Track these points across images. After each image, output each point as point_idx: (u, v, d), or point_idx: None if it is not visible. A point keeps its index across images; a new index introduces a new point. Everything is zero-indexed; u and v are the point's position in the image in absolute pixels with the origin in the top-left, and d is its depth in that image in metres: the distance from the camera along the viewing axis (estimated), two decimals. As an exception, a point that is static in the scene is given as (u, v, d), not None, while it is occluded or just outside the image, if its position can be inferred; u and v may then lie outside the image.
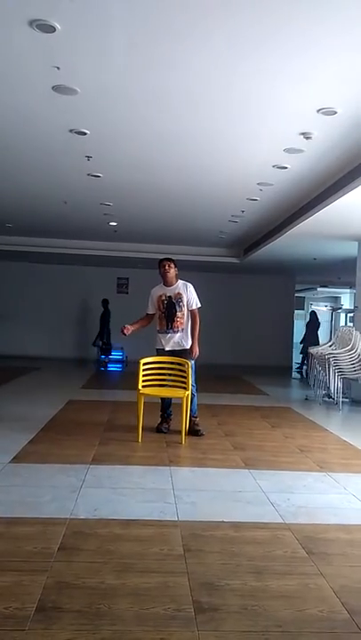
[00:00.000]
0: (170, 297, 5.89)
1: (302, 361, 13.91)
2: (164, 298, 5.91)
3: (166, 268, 5.92)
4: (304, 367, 13.06)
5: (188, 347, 5.88)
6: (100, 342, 13.47)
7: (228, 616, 2.28)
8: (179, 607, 2.32)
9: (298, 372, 14.13)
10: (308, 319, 14.71)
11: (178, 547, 2.93)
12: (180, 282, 6.00)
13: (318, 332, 14.06)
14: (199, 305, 5.97)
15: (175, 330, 5.85)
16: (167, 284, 5.96)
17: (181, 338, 5.87)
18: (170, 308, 5.87)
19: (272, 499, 3.82)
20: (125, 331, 5.86)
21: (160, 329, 5.94)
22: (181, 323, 5.86)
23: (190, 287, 5.98)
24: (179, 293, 5.89)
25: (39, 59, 3.92)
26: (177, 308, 5.86)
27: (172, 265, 5.95)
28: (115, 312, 14.61)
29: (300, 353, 14.24)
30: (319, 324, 14.14)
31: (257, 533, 3.19)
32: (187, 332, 5.90)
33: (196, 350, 5.86)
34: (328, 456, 5.23)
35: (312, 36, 3.47)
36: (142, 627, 2.17)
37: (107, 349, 13.41)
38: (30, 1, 3.21)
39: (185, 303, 5.88)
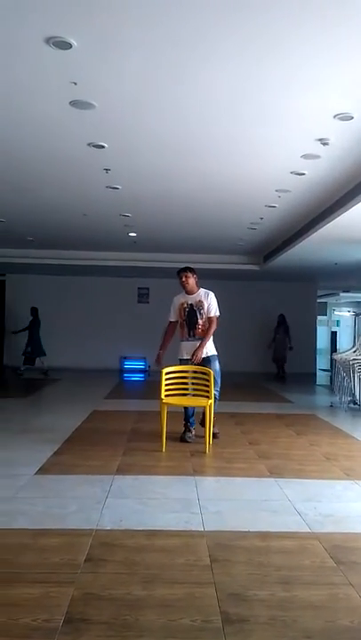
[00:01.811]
0: (191, 305, 5.96)
1: (278, 368, 13.61)
2: (185, 306, 5.97)
3: (183, 279, 5.99)
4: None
5: (214, 353, 5.93)
6: (28, 350, 13.26)
7: (256, 627, 2.25)
8: (206, 618, 2.30)
9: (280, 376, 13.76)
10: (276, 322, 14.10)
11: (204, 557, 2.92)
12: (202, 290, 6.05)
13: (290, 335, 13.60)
14: (218, 314, 6.00)
15: (197, 337, 5.90)
16: (188, 292, 6.02)
17: (205, 345, 5.88)
18: (191, 315, 5.93)
19: (299, 508, 3.78)
20: (159, 361, 5.96)
21: (182, 337, 6.00)
22: (203, 330, 5.91)
23: (211, 295, 6.01)
24: (200, 301, 5.94)
25: (56, 75, 3.98)
26: (198, 315, 5.92)
27: (190, 274, 6.01)
28: (136, 322, 14.70)
29: (273, 360, 13.92)
30: (288, 326, 13.65)
31: (284, 543, 3.16)
32: (209, 339, 5.93)
33: (200, 356, 5.79)
34: (355, 463, 5.16)
35: (328, 42, 3.46)
36: (170, 638, 2.16)
37: (31, 359, 13.18)
38: (46, 19, 3.27)
39: (206, 311, 5.91)
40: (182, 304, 6.00)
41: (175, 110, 4.61)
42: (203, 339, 5.87)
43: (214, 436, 5.79)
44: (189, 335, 5.93)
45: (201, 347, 5.83)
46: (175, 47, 3.60)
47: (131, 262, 12.70)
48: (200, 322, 5.90)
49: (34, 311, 13.31)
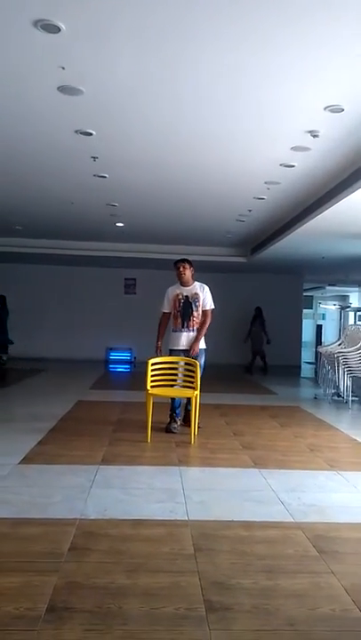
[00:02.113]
0: (187, 296, 6.02)
1: (261, 360, 13.59)
2: (180, 297, 6.02)
3: (181, 270, 6.06)
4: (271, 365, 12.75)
5: (203, 346, 6.02)
6: None
7: (239, 615, 2.27)
8: (190, 606, 2.31)
9: (247, 369, 13.58)
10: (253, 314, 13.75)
11: (188, 546, 2.93)
12: (197, 283, 6.13)
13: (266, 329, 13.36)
14: (213, 307, 6.09)
15: (190, 329, 5.97)
16: (183, 284, 6.07)
17: (195, 337, 5.96)
18: (186, 307, 5.99)
19: (282, 498, 3.80)
20: (159, 351, 6.02)
21: (175, 327, 6.04)
22: (197, 322, 5.98)
23: (207, 288, 6.11)
24: (196, 294, 6.01)
25: (44, 59, 3.91)
26: (193, 307, 5.98)
27: (188, 266, 6.08)
28: (123, 313, 14.66)
29: (252, 353, 13.71)
30: (264, 320, 13.45)
31: (268, 532, 3.18)
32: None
33: (197, 349, 5.92)
34: (338, 455, 5.20)
35: (319, 34, 3.45)
36: (153, 626, 2.16)
37: (4, 346, 13.20)
38: (35, 2, 3.21)
39: (201, 303, 5.98)
40: (177, 295, 6.04)
41: (165, 100, 4.57)
42: (196, 330, 5.95)
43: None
44: (183, 326, 5.98)
45: (197, 340, 5.93)
46: (168, 36, 3.56)
47: (118, 253, 12.63)
48: (195, 314, 5.97)
49: (1, 299, 13.22)
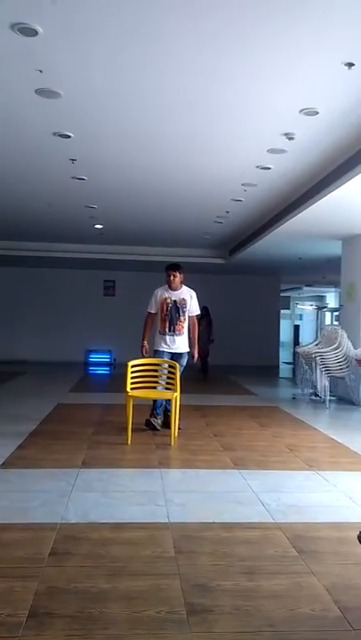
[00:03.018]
0: (175, 301, 6.12)
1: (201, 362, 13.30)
2: (169, 301, 6.12)
3: (172, 277, 6.16)
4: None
5: (187, 350, 6.14)
6: None
7: (220, 617, 2.28)
8: (171, 609, 2.32)
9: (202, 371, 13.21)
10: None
11: (169, 549, 2.93)
12: (185, 288, 6.26)
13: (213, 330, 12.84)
14: (198, 312, 6.28)
15: (177, 333, 6.08)
16: (173, 289, 6.18)
17: (181, 341, 6.10)
18: (173, 311, 6.10)
19: (262, 498, 3.83)
20: (145, 351, 6.16)
21: (162, 330, 6.12)
22: (182, 327, 6.11)
23: (194, 294, 6.26)
24: (184, 299, 6.14)
25: (22, 62, 3.90)
26: (180, 312, 6.11)
27: (178, 273, 6.19)
28: (102, 315, 14.60)
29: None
30: (211, 319, 12.82)
31: (248, 534, 3.20)
32: (186, 336, 6.15)
33: (196, 355, 6.21)
34: (317, 454, 5.25)
35: (293, 38, 3.49)
36: (135, 630, 2.17)
37: None
38: (11, 4, 3.20)
39: (188, 309, 6.13)
40: (165, 299, 6.13)
41: (142, 102, 4.58)
42: (182, 334, 6.11)
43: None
44: (169, 330, 6.08)
45: (195, 345, 6.18)
46: (141, 38, 3.57)
47: (97, 254, 12.60)
48: (182, 318, 6.10)
49: None
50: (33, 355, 14.45)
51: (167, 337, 6.07)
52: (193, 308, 6.20)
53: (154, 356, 6.07)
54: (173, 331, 6.06)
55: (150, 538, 3.09)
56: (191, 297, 6.19)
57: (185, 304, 6.11)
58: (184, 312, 6.11)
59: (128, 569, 2.69)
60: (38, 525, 3.22)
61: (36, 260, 13.20)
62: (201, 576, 2.63)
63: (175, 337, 6.06)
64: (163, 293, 6.18)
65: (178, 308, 6.09)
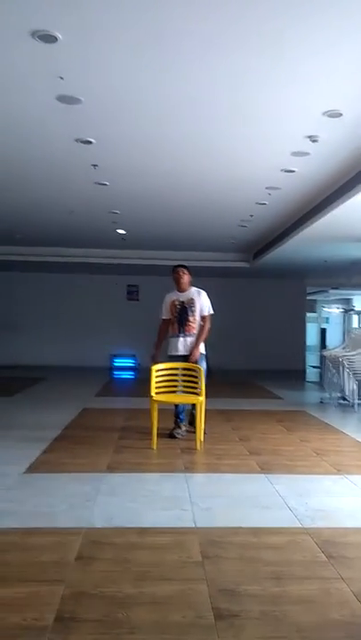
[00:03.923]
0: (183, 302, 6.00)
1: None
2: (177, 303, 6.02)
3: (180, 274, 6.07)
4: None
5: (202, 351, 5.99)
6: None
7: (248, 622, 2.25)
8: (198, 614, 2.29)
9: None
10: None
11: (195, 554, 2.91)
12: (194, 288, 6.13)
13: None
14: (212, 312, 6.09)
15: (187, 334, 5.96)
16: (180, 289, 6.08)
17: (193, 342, 5.95)
18: (182, 313, 5.98)
19: (290, 503, 3.78)
20: (155, 360, 5.95)
21: (172, 333, 6.04)
22: (193, 327, 5.96)
23: (203, 294, 6.10)
24: (192, 299, 5.99)
25: (42, 69, 3.94)
26: (189, 313, 5.97)
27: (186, 271, 6.09)
28: (126, 319, 14.66)
29: None
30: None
31: (275, 538, 3.16)
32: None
33: (197, 355, 5.90)
34: (345, 458, 5.17)
35: (317, 39, 3.45)
36: (161, 635, 2.15)
37: None
38: (31, 12, 3.23)
39: (197, 309, 5.98)
40: (174, 301, 6.05)
41: (165, 107, 4.58)
42: (194, 335, 5.92)
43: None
44: (179, 332, 5.98)
45: (197, 346, 5.93)
46: (162, 42, 3.57)
47: (120, 260, 12.66)
48: (191, 319, 5.96)
49: None
50: (59, 360, 14.56)
51: (179, 339, 5.97)
52: (204, 307, 6.02)
53: (169, 361, 5.96)
54: (184, 332, 5.95)
55: (176, 543, 3.07)
56: (200, 296, 6.04)
57: (193, 304, 5.98)
58: (193, 312, 5.97)
59: (154, 574, 2.68)
60: (64, 530, 3.22)
61: (60, 266, 13.31)
62: (228, 581, 2.60)
63: (187, 338, 5.95)
64: (171, 297, 6.11)
65: (186, 308, 5.98)
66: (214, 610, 2.33)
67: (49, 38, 3.47)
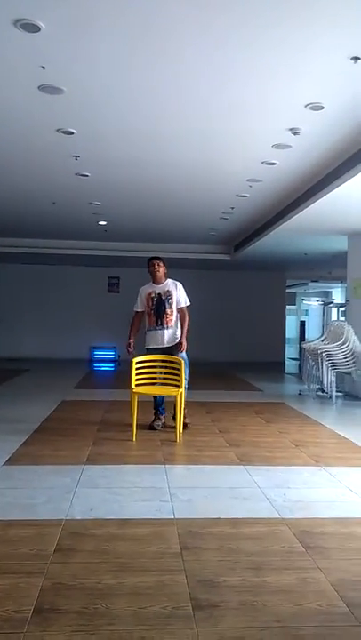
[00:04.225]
0: (159, 294, 5.97)
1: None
2: (153, 295, 5.99)
3: (155, 266, 6.02)
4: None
5: (178, 341, 5.97)
6: None
7: (226, 612, 2.27)
8: (177, 605, 2.31)
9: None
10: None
11: (175, 545, 2.93)
12: (170, 280, 6.10)
13: None
14: (188, 303, 6.07)
15: (165, 326, 5.94)
16: (156, 282, 6.05)
17: (171, 334, 5.96)
18: (159, 305, 5.95)
19: (268, 494, 3.82)
20: (130, 349, 5.98)
21: (150, 326, 6.02)
22: (170, 319, 5.95)
23: (180, 286, 6.08)
24: (168, 291, 5.97)
25: (24, 58, 3.89)
26: (166, 305, 5.95)
27: (161, 264, 6.06)
28: (106, 311, 14.61)
29: None
30: None
31: (254, 529, 3.19)
32: (175, 328, 6.00)
33: (185, 344, 5.94)
34: (323, 450, 5.24)
35: (298, 32, 3.46)
36: (141, 626, 2.16)
37: None
38: (14, 1, 3.18)
39: (174, 300, 5.97)
40: (150, 294, 6.01)
41: (147, 98, 4.55)
42: (172, 327, 5.94)
43: (185, 426, 5.81)
44: (157, 324, 5.96)
45: (183, 336, 5.95)
46: (147, 35, 3.55)
47: (101, 251, 12.60)
48: (168, 311, 5.94)
49: None
50: (38, 352, 14.49)
51: (157, 332, 5.94)
52: (181, 299, 6.00)
53: (147, 354, 5.94)
54: (162, 324, 5.92)
55: (156, 534, 3.08)
56: (177, 288, 6.02)
57: (170, 296, 5.96)
58: (170, 304, 5.94)
59: (134, 565, 2.69)
60: (43, 522, 3.22)
61: (41, 257, 13.20)
62: (207, 572, 2.63)
63: (165, 331, 5.92)
64: (147, 289, 6.07)
65: (163, 300, 5.95)
66: (193, 600, 2.35)
67: (32, 27, 3.42)
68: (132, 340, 6.04)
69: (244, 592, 2.44)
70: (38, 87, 4.33)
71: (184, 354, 5.90)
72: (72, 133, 5.36)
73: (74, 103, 4.67)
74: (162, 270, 6.03)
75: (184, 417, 5.82)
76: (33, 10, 3.28)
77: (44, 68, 4.00)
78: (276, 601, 2.37)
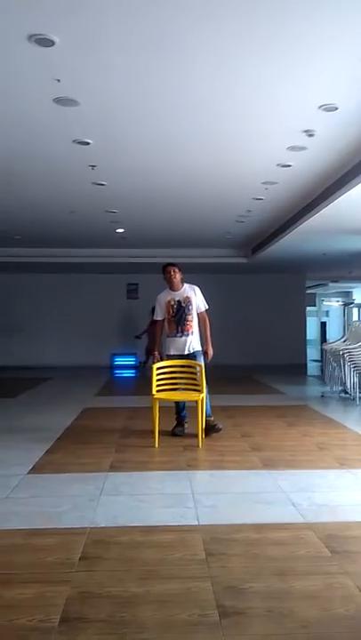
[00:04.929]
0: (179, 301, 5.92)
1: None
2: (173, 302, 5.94)
3: (172, 273, 5.97)
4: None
5: (199, 349, 5.92)
6: None
7: (253, 619, 2.26)
8: (203, 612, 2.30)
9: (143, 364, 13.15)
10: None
11: (200, 551, 2.92)
12: (187, 285, 6.04)
13: None
14: (207, 307, 6.01)
15: (186, 333, 5.89)
16: (174, 288, 6.00)
17: (192, 341, 5.90)
18: (180, 312, 5.90)
19: (293, 498, 3.79)
20: (157, 359, 5.94)
21: (170, 332, 5.97)
22: (191, 326, 5.90)
23: (197, 290, 6.02)
24: (188, 297, 5.92)
25: (39, 72, 3.94)
26: (187, 311, 5.90)
27: (177, 270, 6.00)
28: (126, 318, 14.67)
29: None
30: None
31: (279, 534, 3.17)
32: (196, 334, 5.94)
33: (211, 352, 5.91)
34: (348, 452, 5.19)
35: (311, 33, 3.46)
36: (168, 633, 2.16)
37: None
38: (28, 16, 3.23)
39: (194, 306, 5.92)
40: (169, 301, 5.95)
41: (160, 106, 4.58)
42: (192, 334, 5.89)
43: (216, 429, 5.77)
44: (177, 331, 5.91)
45: (208, 343, 5.92)
46: (159, 45, 3.58)
47: (119, 258, 12.66)
48: (189, 318, 5.89)
49: None
50: (59, 360, 14.59)
51: (177, 339, 5.88)
52: (200, 304, 5.96)
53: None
54: (183, 331, 5.87)
55: (180, 540, 3.08)
56: (195, 293, 5.96)
57: (190, 302, 5.90)
58: (190, 310, 5.88)
59: (159, 572, 2.69)
60: (68, 530, 3.23)
61: (60, 266, 13.33)
62: (232, 578, 2.62)
63: (186, 337, 5.86)
64: (165, 297, 6.00)
65: (183, 307, 5.88)
66: (219, 607, 2.34)
67: (46, 42, 3.48)
68: (156, 353, 6.01)
69: (271, 598, 2.43)
70: (54, 100, 4.39)
71: (202, 362, 5.84)
72: (88, 144, 5.42)
73: (89, 114, 4.72)
74: (178, 277, 5.97)
75: (212, 422, 5.80)
76: (47, 25, 3.33)
77: (58, 80, 4.05)
78: (302, 607, 2.35)
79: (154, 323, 6.29)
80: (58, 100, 4.40)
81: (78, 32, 3.41)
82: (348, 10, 3.19)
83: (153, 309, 6.22)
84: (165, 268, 6.02)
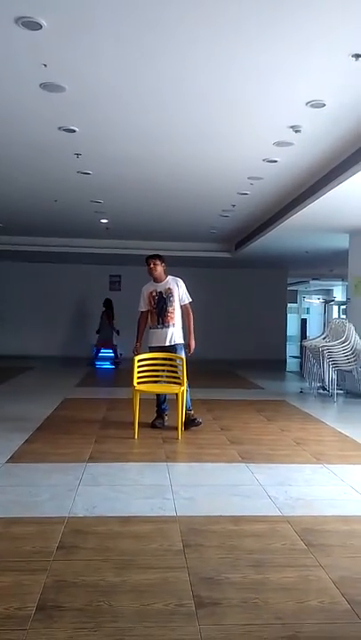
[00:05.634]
0: (160, 292, 5.95)
1: (96, 353, 13.28)
2: (154, 294, 5.96)
3: (152, 266, 5.99)
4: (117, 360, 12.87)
5: (181, 342, 5.93)
6: None
7: (228, 610, 2.28)
8: (179, 602, 2.32)
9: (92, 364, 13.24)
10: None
11: (177, 542, 2.94)
12: (170, 277, 6.06)
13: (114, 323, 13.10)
14: (190, 299, 6.02)
15: (167, 324, 5.90)
16: (157, 280, 6.02)
17: (173, 333, 5.91)
18: (161, 303, 5.92)
19: (270, 492, 3.83)
20: (137, 352, 5.92)
21: (152, 324, 6.00)
22: (172, 317, 5.91)
23: (180, 282, 6.04)
24: (169, 289, 5.94)
25: (26, 56, 3.88)
26: (168, 302, 5.92)
27: (158, 262, 6.01)
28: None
29: (95, 345, 13.44)
30: (112, 311, 13.19)
31: (256, 527, 3.20)
32: (178, 327, 5.95)
33: (193, 345, 5.93)
34: (325, 448, 5.24)
35: (299, 30, 3.45)
36: (143, 623, 2.17)
37: None
38: (15, -2, 3.18)
39: (176, 298, 5.93)
40: (151, 292, 5.98)
41: (148, 95, 4.55)
42: (173, 326, 5.91)
43: (195, 423, 5.79)
44: (158, 322, 5.93)
45: (190, 336, 5.95)
46: (148, 33, 3.54)
47: (102, 249, 12.60)
48: (170, 309, 5.91)
49: None
50: (40, 350, 14.50)
51: (158, 331, 5.92)
52: (183, 296, 5.98)
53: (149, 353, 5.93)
54: (163, 323, 5.89)
55: (158, 531, 3.09)
56: (178, 285, 5.99)
57: (171, 293, 5.92)
58: (172, 302, 5.90)
59: (136, 562, 2.70)
60: (46, 519, 3.23)
61: (42, 255, 13.21)
62: (209, 569, 2.64)
63: (167, 329, 5.89)
64: (148, 288, 6.03)
65: (164, 298, 5.91)
66: (195, 597, 2.36)
67: (33, 25, 3.42)
68: (138, 344, 6.01)
69: (246, 589, 2.45)
70: (40, 85, 4.33)
71: (183, 355, 5.86)
72: (74, 131, 5.36)
73: (75, 101, 4.67)
74: (159, 268, 5.99)
75: (192, 416, 5.82)
76: (34, 7, 3.27)
77: (45, 65, 4.00)
78: (277, 598, 2.38)
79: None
80: (44, 86, 4.34)
81: (67, 16, 3.36)
82: (337, 6, 3.19)
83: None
84: (147, 260, 6.05)
